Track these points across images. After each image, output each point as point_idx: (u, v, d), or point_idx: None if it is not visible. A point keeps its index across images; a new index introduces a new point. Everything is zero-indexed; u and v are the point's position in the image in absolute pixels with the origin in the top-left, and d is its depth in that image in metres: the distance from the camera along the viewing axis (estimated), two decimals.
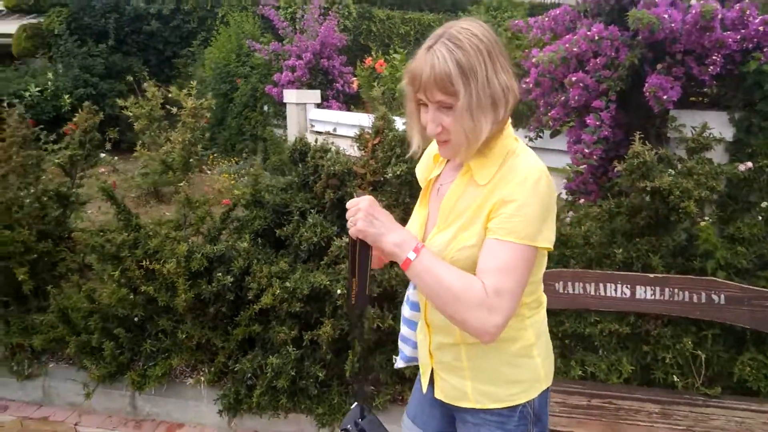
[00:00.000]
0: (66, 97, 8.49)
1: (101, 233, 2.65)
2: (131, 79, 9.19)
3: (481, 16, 12.29)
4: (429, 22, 10.63)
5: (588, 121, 3.00)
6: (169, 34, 9.71)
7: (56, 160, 3.16)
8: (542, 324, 1.28)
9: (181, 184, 3.45)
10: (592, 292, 2.22)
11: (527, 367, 1.22)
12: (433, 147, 1.32)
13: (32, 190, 2.82)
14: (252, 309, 2.47)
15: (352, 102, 7.46)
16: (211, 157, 7.68)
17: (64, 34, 8.99)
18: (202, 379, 2.65)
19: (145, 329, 2.76)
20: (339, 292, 2.36)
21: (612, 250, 2.36)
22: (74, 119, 8.36)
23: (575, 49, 2.88)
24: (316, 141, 6.61)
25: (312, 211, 2.61)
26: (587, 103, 3.11)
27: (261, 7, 8.08)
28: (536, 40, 3.65)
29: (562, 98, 3.28)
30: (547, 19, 3.57)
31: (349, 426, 1.27)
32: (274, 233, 2.72)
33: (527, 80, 3.27)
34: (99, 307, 2.66)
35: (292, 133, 7.30)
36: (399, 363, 1.41)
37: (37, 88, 8.41)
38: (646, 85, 2.82)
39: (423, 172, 1.38)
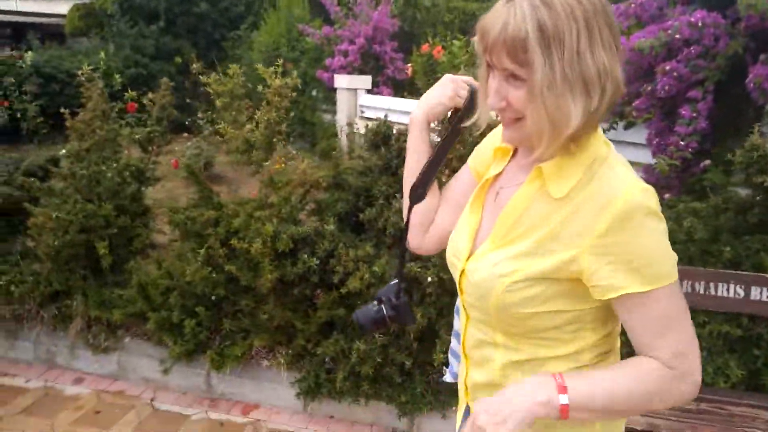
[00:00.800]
0: (117, 76, 8.57)
1: (184, 210, 2.61)
2: (180, 60, 9.24)
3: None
4: (473, 11, 10.43)
5: (683, 112, 2.85)
6: (218, 17, 9.71)
7: (136, 136, 3.14)
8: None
9: (266, 163, 3.38)
10: (702, 291, 2.10)
11: (581, 428, 0.97)
12: (496, 136, 1.07)
13: (114, 165, 2.80)
14: (337, 292, 2.41)
15: (404, 88, 7.35)
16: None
17: (116, 14, 9.06)
18: (282, 361, 2.60)
19: (222, 308, 2.73)
20: (429, 279, 2.28)
21: (717, 247, 2.23)
22: (127, 97, 8.44)
23: (678, 36, 2.73)
24: (366, 126, 6.51)
25: (397, 195, 2.54)
26: (676, 93, 2.96)
27: None
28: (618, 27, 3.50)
29: (649, 88, 3.14)
30: (633, 5, 3.42)
31: (383, 297, 1.11)
32: (353, 217, 2.66)
33: None
34: (178, 283, 2.64)
35: (341, 119, 7.24)
36: (447, 377, 1.22)
37: (90, 67, 8.50)
38: (751, 75, 2.66)
39: (479, 165, 1.11)
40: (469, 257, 0.98)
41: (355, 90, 6.90)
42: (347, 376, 2.42)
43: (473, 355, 1.04)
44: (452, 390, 1.21)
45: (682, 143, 2.79)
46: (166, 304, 2.69)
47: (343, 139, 7.07)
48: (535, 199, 0.92)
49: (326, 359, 2.53)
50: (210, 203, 2.66)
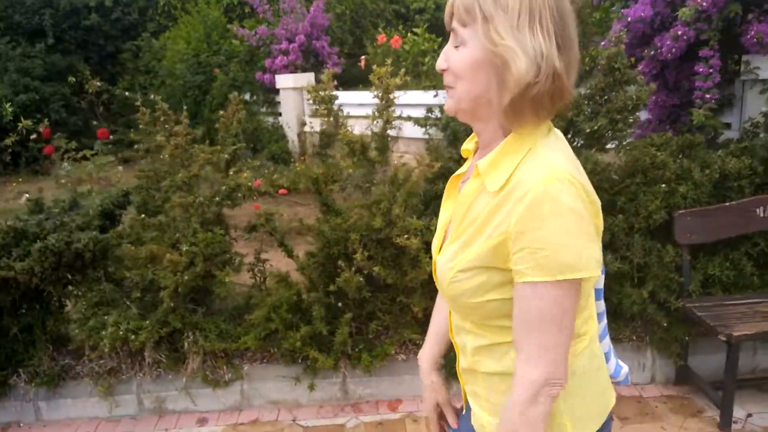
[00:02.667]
0: (7, 105, 7.57)
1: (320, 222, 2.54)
2: (74, 79, 8.36)
3: None
4: (413, 2, 10.63)
5: (699, 69, 3.32)
6: (110, 28, 8.91)
7: (224, 156, 2.89)
8: (579, 361, 1.00)
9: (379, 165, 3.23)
10: None
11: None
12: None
13: (204, 189, 2.59)
14: None
15: (346, 82, 7.34)
16: None
17: None
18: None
19: (364, 310, 2.69)
20: None
21: None
22: (21, 126, 7.53)
23: (705, 4, 3.16)
24: (321, 124, 6.49)
25: None
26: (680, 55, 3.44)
27: None
28: None
29: (652, 53, 3.60)
30: None
31: None
32: None
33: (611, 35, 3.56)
34: (317, 295, 2.57)
35: (288, 120, 7.07)
36: (619, 377, 1.24)
37: None
38: (752, 32, 3.18)
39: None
40: (439, 252, 1.05)
41: (301, 89, 6.80)
42: None
43: (457, 341, 1.10)
44: None
45: (708, 96, 3.26)
46: (303, 320, 2.61)
47: (294, 141, 6.95)
48: (478, 193, 0.95)
49: None
50: (332, 211, 2.61)
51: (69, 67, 8.52)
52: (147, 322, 2.56)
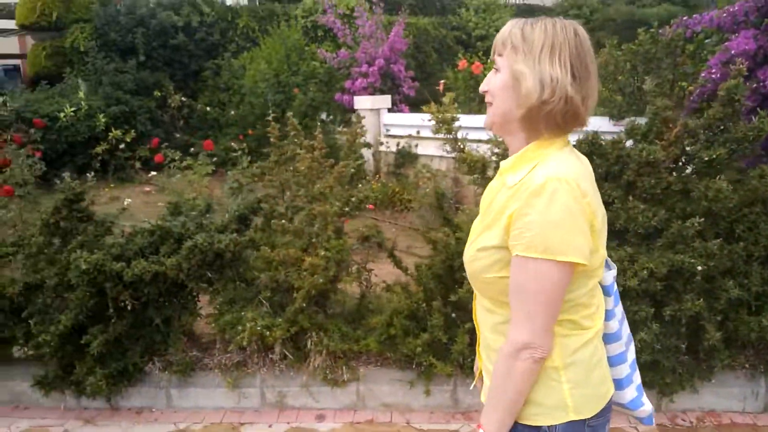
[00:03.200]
0: (101, 116, 8.08)
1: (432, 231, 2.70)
2: (159, 94, 8.86)
3: (471, 17, 12.67)
4: (424, 26, 10.92)
5: None
6: (194, 48, 9.42)
7: (350, 170, 3.10)
8: (580, 351, 1.14)
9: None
10: None
11: (549, 390, 1.12)
12: None
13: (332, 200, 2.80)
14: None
15: (418, 106, 7.57)
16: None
17: (92, 51, 8.52)
18: None
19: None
20: (699, 268, 2.56)
21: None
22: (111, 136, 7.98)
23: None
24: (398, 144, 6.68)
25: (630, 198, 2.79)
26: None
27: (321, 16, 8.04)
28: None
29: (754, 85, 3.66)
30: (725, 14, 3.93)
31: None
32: None
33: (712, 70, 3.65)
34: (436, 305, 2.71)
35: (364, 139, 7.34)
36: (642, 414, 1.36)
37: (72, 109, 7.95)
38: None
39: None
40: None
41: (378, 110, 7.06)
42: None
43: (479, 321, 1.26)
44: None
45: None
46: (419, 327, 2.76)
47: (369, 160, 7.18)
48: (500, 188, 1.16)
49: None
50: (453, 225, 2.77)
51: (156, 82, 9.04)
52: (279, 320, 2.75)
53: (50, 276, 2.75)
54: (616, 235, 2.80)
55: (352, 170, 3.05)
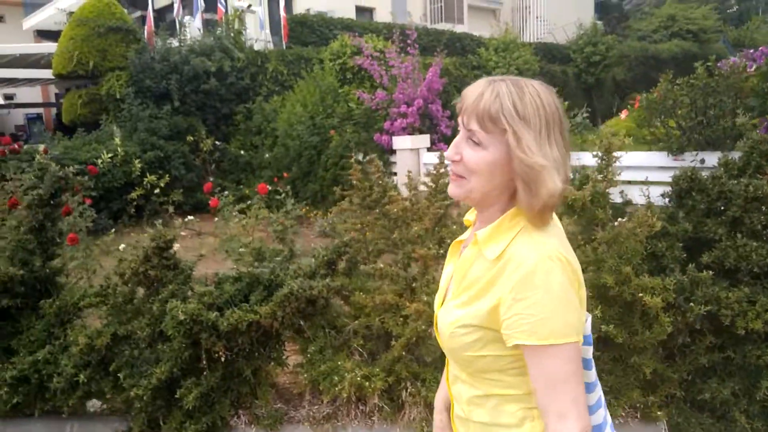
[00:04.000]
0: (137, 162, 8.13)
1: None
2: (192, 138, 8.93)
3: (491, 56, 12.83)
4: (446, 66, 11.07)
5: None
6: (225, 92, 9.56)
7: (440, 212, 3.04)
8: None
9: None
10: None
11: None
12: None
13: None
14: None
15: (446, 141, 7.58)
16: (303, 209, 7.54)
17: (128, 98, 8.65)
18: (659, 413, 2.62)
19: None
20: None
21: None
22: (147, 181, 7.99)
23: None
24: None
25: (738, 234, 2.70)
26: None
27: (357, 57, 8.16)
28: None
29: None
30: None
31: None
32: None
33: None
34: None
35: (403, 179, 7.32)
36: None
37: (109, 155, 8.01)
38: None
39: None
40: (441, 306, 1.18)
41: (417, 149, 7.06)
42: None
43: (453, 391, 1.22)
44: None
45: None
46: None
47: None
48: (476, 259, 1.10)
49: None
50: None
51: (188, 127, 9.14)
52: (377, 369, 2.63)
53: (141, 327, 2.66)
54: (726, 275, 2.70)
55: (441, 212, 2.98)
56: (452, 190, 1.11)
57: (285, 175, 8.00)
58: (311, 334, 2.83)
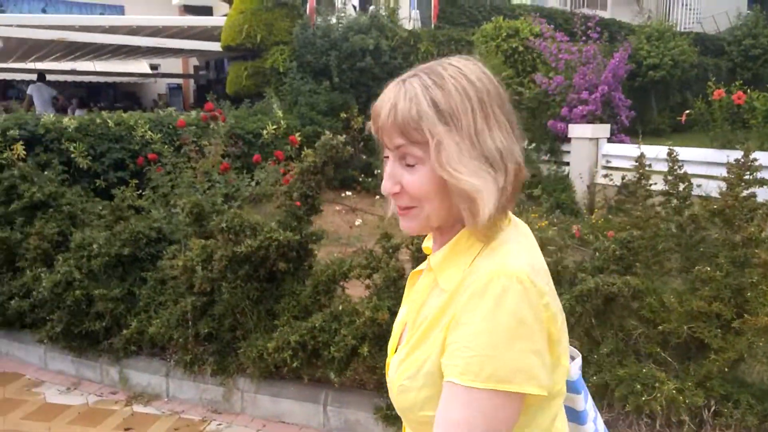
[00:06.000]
0: (297, 135, 8.26)
1: None
2: (344, 116, 8.97)
3: (643, 45, 11.91)
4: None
5: None
6: (378, 71, 9.49)
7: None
8: None
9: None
10: None
11: None
12: None
13: None
14: None
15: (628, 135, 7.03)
16: None
17: (290, 72, 8.80)
18: None
19: None
20: None
21: None
22: (304, 154, 8.07)
23: None
24: (623, 178, 6.08)
25: None
26: None
27: (531, 40, 7.80)
28: None
29: None
30: None
31: None
32: None
33: None
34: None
35: (580, 170, 6.89)
36: None
37: (273, 126, 8.20)
38: None
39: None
40: (392, 355, 0.92)
41: (596, 139, 6.60)
42: None
43: None
44: None
45: None
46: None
47: (583, 192, 6.71)
48: (431, 290, 0.87)
49: None
50: None
51: (343, 104, 9.18)
52: (688, 383, 2.34)
53: None
54: None
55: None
56: (405, 225, 0.87)
57: None
58: (599, 335, 2.58)
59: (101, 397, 3.28)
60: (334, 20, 9.57)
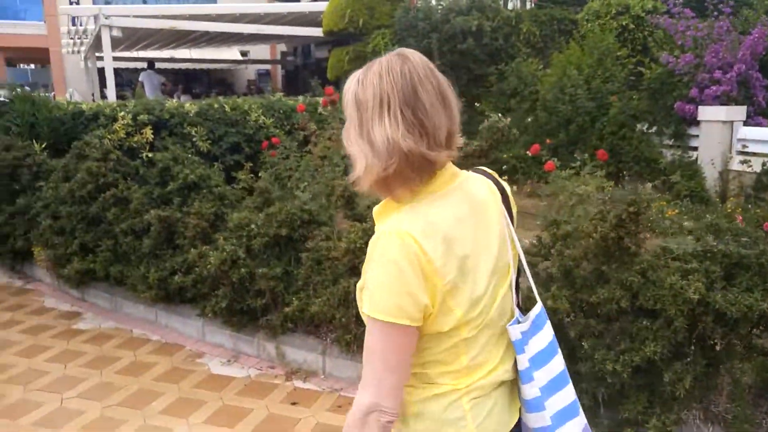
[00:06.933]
0: None
1: None
2: None
3: (757, 19, 10.95)
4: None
5: None
6: (479, 53, 9.29)
7: None
8: (428, 403, 1.10)
9: None
10: None
11: None
12: None
13: None
14: None
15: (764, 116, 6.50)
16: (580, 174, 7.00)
17: None
18: None
19: None
20: None
21: None
22: None
23: None
24: (764, 164, 5.56)
25: None
26: None
27: (655, 16, 7.37)
28: None
29: None
30: None
31: None
32: None
33: None
34: None
35: (708, 155, 6.45)
36: None
37: None
38: None
39: None
40: None
41: (731, 122, 6.14)
42: None
43: None
44: None
45: None
46: None
47: (714, 179, 6.28)
48: None
49: None
50: None
51: None
52: None
53: (612, 297, 2.43)
54: None
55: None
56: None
57: (548, 141, 7.56)
58: None
59: (261, 371, 3.41)
60: (433, 2, 9.44)
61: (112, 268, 4.16)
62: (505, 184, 1.22)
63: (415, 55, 1.08)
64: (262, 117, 7.47)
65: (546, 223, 2.89)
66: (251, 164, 6.11)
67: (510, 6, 10.23)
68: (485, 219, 1.11)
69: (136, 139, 6.58)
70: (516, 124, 8.64)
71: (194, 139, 6.86)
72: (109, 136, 6.25)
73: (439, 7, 9.36)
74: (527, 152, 6.74)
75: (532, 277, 1.28)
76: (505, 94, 9.25)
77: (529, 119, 8.23)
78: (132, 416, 2.95)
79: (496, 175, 1.22)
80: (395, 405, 1.02)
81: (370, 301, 1.01)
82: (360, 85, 1.05)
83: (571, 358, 2.58)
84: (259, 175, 5.65)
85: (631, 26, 8.51)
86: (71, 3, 17.99)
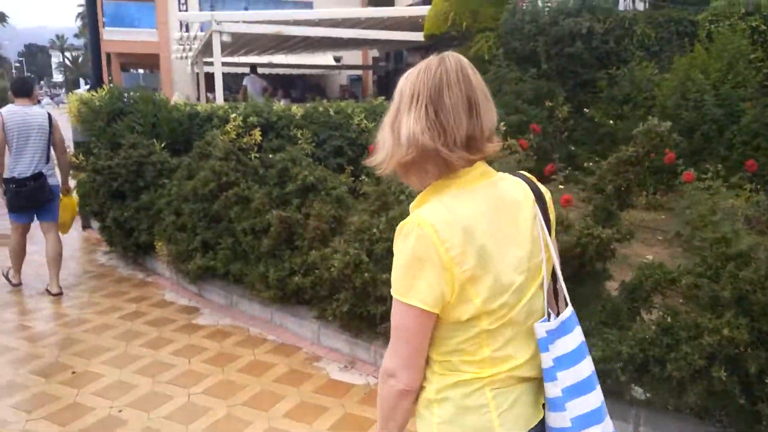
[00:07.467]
0: (501, 124, 7.95)
1: None
2: (550, 104, 8.46)
3: None
4: None
5: None
6: (588, 56, 8.83)
7: None
8: (451, 390, 1.14)
9: None
10: None
11: (423, 421, 1.18)
12: None
13: None
14: None
15: None
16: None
17: (496, 59, 8.53)
18: None
19: None
20: None
21: None
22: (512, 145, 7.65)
23: None
24: None
25: None
26: None
27: None
28: None
29: None
30: None
31: None
32: None
33: None
34: None
35: None
36: None
37: None
38: None
39: None
40: None
41: None
42: None
43: None
44: None
45: None
46: None
47: None
48: None
49: None
50: None
51: (548, 92, 8.69)
52: None
53: None
54: None
55: None
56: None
57: (666, 150, 7.00)
58: None
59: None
60: (540, 3, 9.09)
61: (232, 266, 4.24)
62: (544, 189, 1.24)
63: (452, 59, 1.14)
64: (365, 121, 7.46)
65: (711, 241, 2.58)
66: (352, 168, 6.08)
67: (621, 7, 9.69)
68: (514, 217, 1.14)
69: (245, 140, 6.77)
70: (627, 132, 8.14)
71: (299, 142, 6.96)
72: (221, 137, 6.47)
73: (546, 8, 9.00)
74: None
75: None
76: (616, 99, 8.74)
77: (642, 125, 7.69)
78: (257, 417, 2.94)
79: (534, 180, 1.24)
80: (409, 378, 1.11)
81: (392, 281, 1.10)
82: (406, 79, 1.15)
83: (748, 396, 2.27)
84: (361, 179, 5.61)
85: (762, 27, 7.80)
86: (180, 11, 19.09)
